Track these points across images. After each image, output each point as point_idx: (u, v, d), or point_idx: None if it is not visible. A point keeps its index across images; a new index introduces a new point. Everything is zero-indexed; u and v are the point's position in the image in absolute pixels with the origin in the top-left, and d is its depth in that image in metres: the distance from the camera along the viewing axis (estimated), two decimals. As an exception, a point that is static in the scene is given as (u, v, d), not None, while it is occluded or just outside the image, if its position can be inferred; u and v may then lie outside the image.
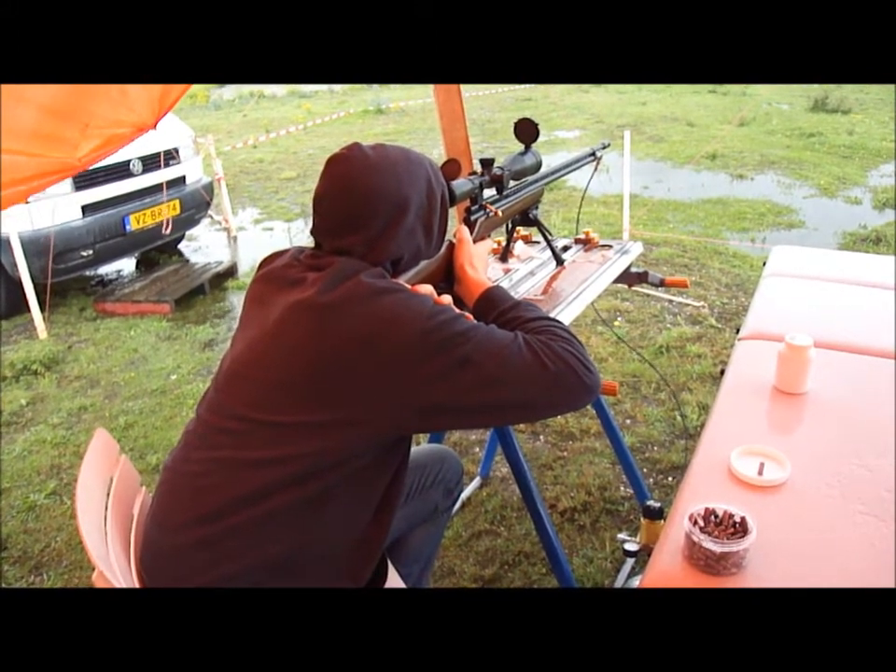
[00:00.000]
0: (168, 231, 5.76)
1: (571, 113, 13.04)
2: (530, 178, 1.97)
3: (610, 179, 7.57)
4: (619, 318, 4.55)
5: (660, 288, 4.27)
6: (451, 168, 1.60)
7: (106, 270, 6.33)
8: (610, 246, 2.28)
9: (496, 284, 1.53)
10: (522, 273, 2.08)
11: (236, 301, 5.43)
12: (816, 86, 14.43)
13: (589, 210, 6.81)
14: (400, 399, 1.22)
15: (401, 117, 13.87)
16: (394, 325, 1.22)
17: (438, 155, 9.72)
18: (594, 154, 2.25)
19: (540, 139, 1.91)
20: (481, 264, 1.58)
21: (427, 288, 1.43)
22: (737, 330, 2.29)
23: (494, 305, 1.46)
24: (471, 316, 1.35)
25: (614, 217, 6.61)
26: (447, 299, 1.40)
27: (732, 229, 6.46)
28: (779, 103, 13.35)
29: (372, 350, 1.21)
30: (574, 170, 2.18)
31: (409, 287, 1.33)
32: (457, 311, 1.30)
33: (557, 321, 1.39)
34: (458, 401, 1.22)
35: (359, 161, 1.35)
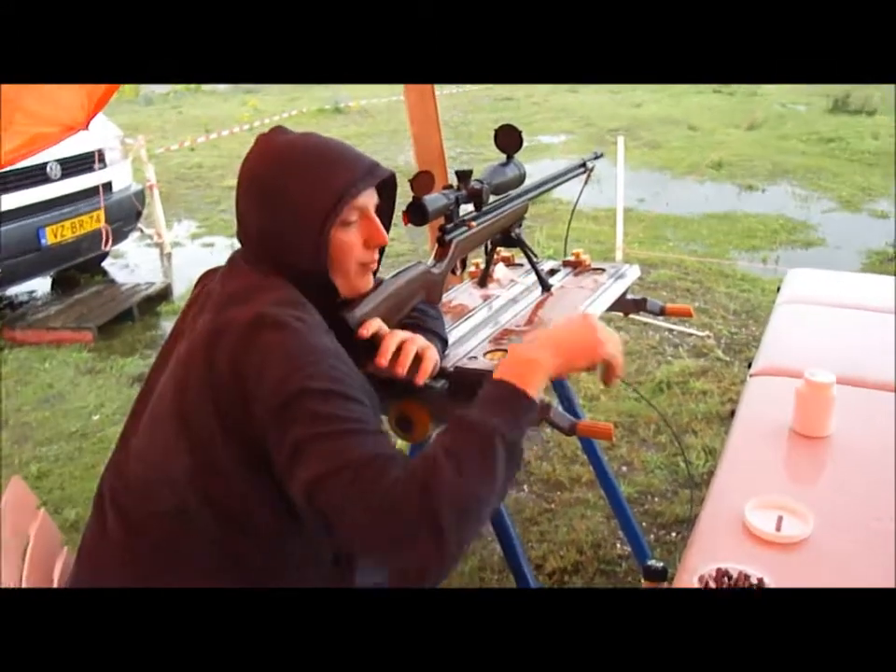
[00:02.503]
0: (108, 246, 5.71)
1: (557, 115, 13.21)
2: (513, 193, 1.99)
3: (601, 191, 7.65)
4: (613, 350, 4.58)
5: (659, 317, 4.32)
6: (423, 181, 1.63)
7: (16, 291, 6.28)
8: (603, 270, 2.30)
9: (525, 392, 1.24)
10: (503, 301, 2.10)
11: (170, 328, 5.40)
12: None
13: (577, 226, 6.88)
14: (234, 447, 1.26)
15: (363, 117, 13.96)
16: (259, 367, 1.23)
17: (404, 163, 9.79)
18: (584, 165, 2.28)
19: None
20: (560, 359, 1.32)
21: (375, 321, 1.49)
22: (748, 364, 2.32)
23: (478, 402, 1.25)
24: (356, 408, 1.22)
25: (605, 234, 6.68)
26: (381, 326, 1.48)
27: (740, 248, 6.55)
28: (794, 104, 13.60)
29: (223, 390, 1.25)
30: (562, 183, 2.20)
31: (310, 322, 1.31)
32: (350, 386, 1.23)
33: (463, 474, 1.13)
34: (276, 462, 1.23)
35: (262, 144, 1.43)
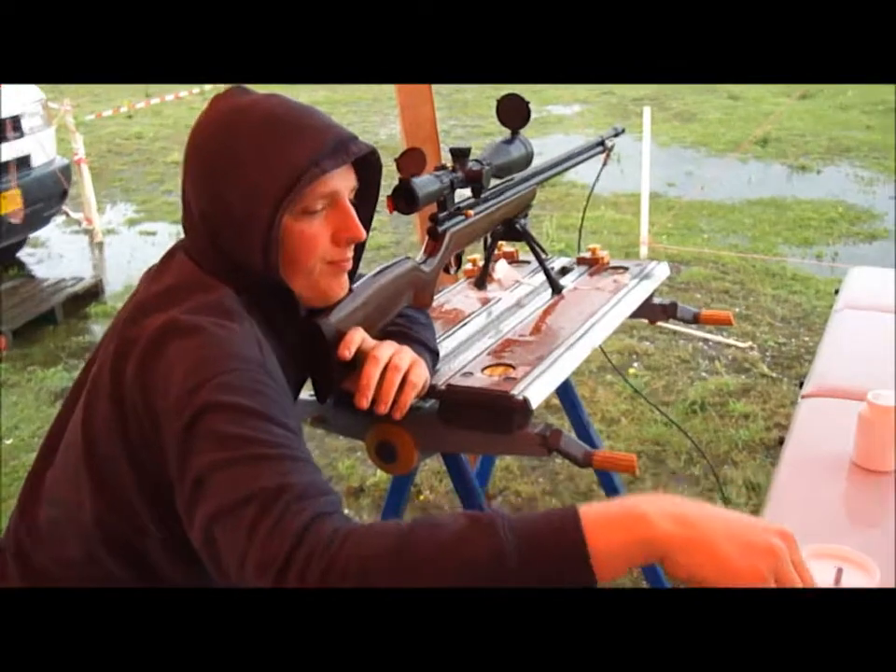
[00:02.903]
0: (19, 218, 5.68)
1: (570, 80, 13.23)
2: (517, 176, 2.00)
3: (623, 172, 7.69)
4: (635, 364, 4.59)
5: (692, 325, 4.33)
6: (412, 160, 1.63)
7: (-84, 288, 6.27)
8: (626, 269, 2.30)
9: (587, 558, 0.96)
10: (505, 305, 2.10)
11: (101, 333, 5.39)
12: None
13: (594, 215, 6.89)
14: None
15: (336, 80, 13.96)
16: (166, 379, 1.19)
17: (387, 137, 9.81)
18: (602, 144, 2.28)
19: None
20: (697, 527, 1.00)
21: (357, 334, 1.48)
22: (800, 383, 2.32)
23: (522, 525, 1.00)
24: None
25: (628, 224, 6.70)
26: (366, 340, 1.47)
27: (790, 241, 6.57)
28: (853, 70, 13.63)
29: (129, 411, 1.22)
30: (576, 165, 2.21)
31: (235, 330, 1.26)
32: (273, 404, 1.18)
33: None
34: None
35: (214, 107, 1.37)
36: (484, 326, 1.97)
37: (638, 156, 6.09)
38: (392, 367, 1.48)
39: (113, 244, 7.15)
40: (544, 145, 8.48)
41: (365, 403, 1.46)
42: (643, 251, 6.00)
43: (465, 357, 1.80)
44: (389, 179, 1.55)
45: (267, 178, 1.29)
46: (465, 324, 1.99)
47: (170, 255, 1.42)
